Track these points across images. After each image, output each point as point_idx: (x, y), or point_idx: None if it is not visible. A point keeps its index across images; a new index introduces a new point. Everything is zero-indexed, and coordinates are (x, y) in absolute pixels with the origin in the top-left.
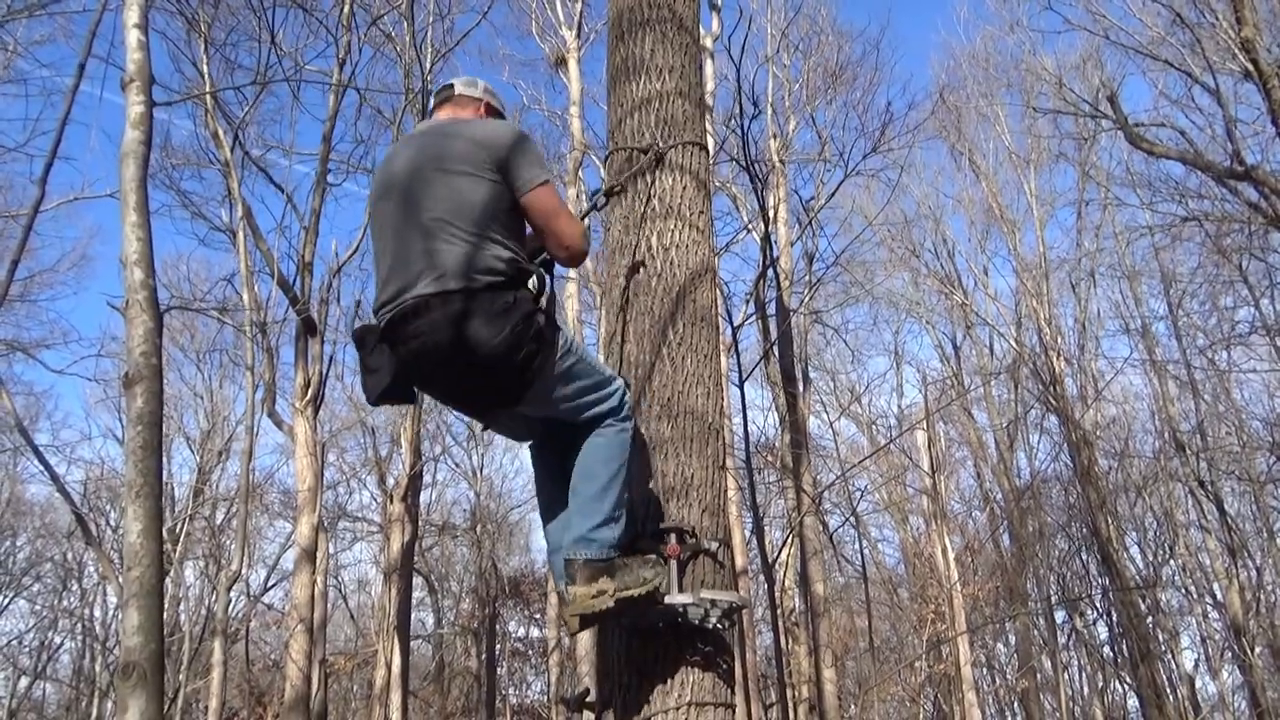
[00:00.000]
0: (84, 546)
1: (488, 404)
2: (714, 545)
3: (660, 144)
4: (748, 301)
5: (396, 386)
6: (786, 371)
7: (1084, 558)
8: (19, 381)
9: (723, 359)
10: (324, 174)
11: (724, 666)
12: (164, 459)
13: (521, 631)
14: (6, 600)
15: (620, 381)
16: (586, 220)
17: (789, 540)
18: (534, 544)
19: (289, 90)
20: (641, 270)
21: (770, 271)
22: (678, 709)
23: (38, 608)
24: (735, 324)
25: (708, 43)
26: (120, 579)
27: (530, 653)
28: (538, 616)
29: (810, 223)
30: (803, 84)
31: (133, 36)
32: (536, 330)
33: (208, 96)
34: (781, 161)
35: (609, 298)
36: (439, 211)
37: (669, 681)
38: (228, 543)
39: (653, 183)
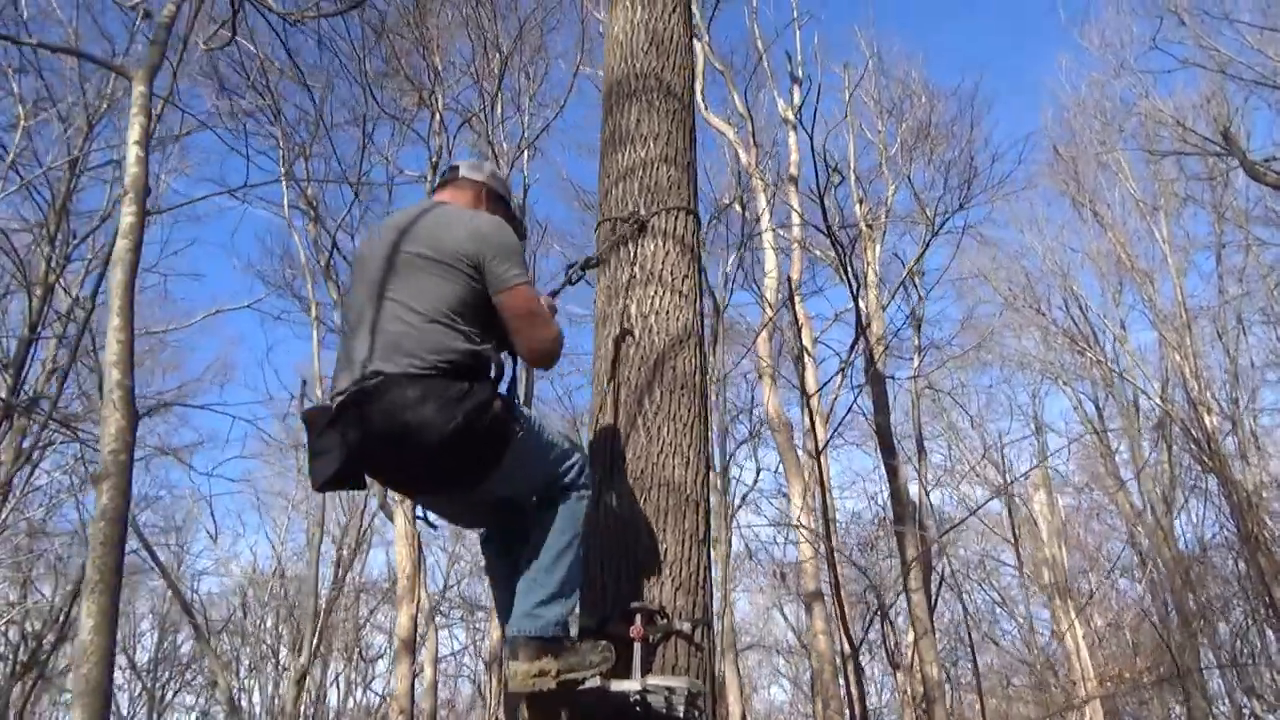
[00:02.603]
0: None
1: (438, 490)
2: (685, 626)
3: (643, 211)
4: (843, 371)
5: (345, 472)
6: (885, 442)
7: (1262, 634)
8: (177, 486)
9: (706, 426)
10: None
11: None
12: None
13: None
14: (173, 693)
15: (585, 457)
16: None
17: (927, 620)
18: None
19: (386, 195)
20: (625, 340)
21: (862, 339)
22: None
23: (200, 700)
24: (809, 393)
25: (789, 115)
26: (221, 680)
27: None
28: None
29: (905, 285)
30: (899, 147)
31: (132, 153)
32: (492, 420)
33: (307, 206)
34: (869, 226)
35: (594, 369)
36: (403, 297)
37: None
38: (367, 634)
39: (635, 250)
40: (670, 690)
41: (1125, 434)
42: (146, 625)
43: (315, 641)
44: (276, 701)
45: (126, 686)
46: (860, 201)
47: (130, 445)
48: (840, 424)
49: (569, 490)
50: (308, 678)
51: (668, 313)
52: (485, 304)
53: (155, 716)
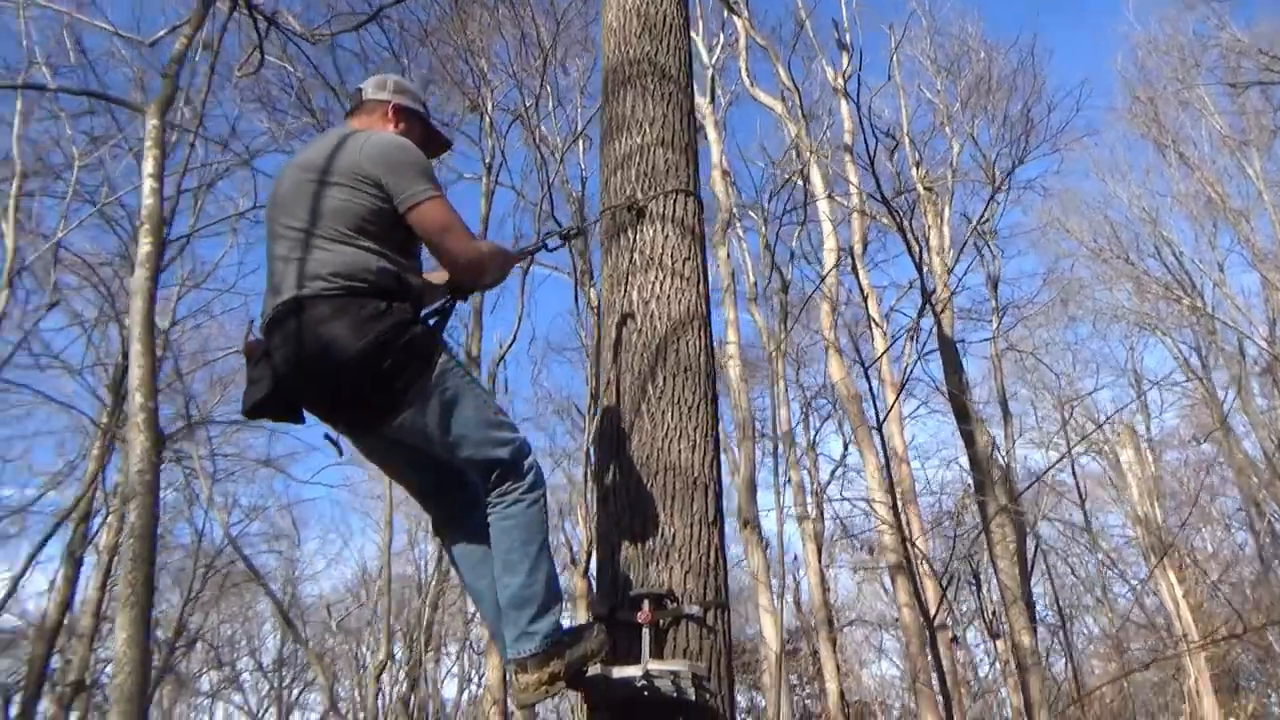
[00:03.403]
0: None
1: (360, 419)
2: (696, 609)
3: (641, 197)
4: (912, 337)
5: (276, 400)
6: (959, 406)
7: None
8: (278, 494)
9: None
10: None
11: None
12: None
13: (742, 701)
14: (298, 692)
15: (523, 438)
16: (523, 258)
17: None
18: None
19: None
20: (626, 326)
21: (928, 304)
22: None
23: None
24: (869, 363)
25: (839, 83)
26: (322, 679)
27: None
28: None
29: (976, 245)
30: (959, 105)
31: (147, 185)
32: (410, 341)
33: None
34: (928, 188)
35: (601, 359)
36: (312, 222)
37: None
38: (477, 628)
39: (635, 237)
40: (675, 674)
41: (1231, 382)
42: (270, 627)
43: (388, 639)
44: (391, 697)
45: (255, 686)
46: (918, 164)
47: (156, 465)
48: (902, 391)
49: (512, 480)
50: (415, 671)
51: (669, 297)
52: (398, 225)
53: (284, 714)
